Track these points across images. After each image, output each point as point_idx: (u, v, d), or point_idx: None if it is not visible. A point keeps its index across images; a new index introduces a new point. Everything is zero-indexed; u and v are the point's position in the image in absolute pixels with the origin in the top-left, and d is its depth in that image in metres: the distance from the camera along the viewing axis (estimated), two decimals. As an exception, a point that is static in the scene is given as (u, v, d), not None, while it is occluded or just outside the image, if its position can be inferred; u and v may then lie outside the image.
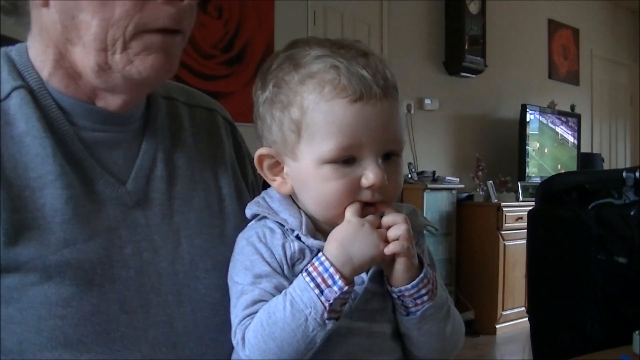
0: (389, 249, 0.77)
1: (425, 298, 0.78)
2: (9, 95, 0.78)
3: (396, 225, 0.78)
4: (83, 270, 0.76)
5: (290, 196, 0.85)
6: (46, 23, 0.79)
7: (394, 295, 0.79)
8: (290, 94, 0.79)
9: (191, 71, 3.56)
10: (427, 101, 5.00)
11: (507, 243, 4.71)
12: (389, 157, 0.80)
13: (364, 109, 0.76)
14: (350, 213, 0.78)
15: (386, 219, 0.79)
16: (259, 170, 0.86)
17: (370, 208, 0.80)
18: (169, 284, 0.83)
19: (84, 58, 0.78)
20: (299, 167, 0.81)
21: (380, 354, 0.81)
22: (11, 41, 0.88)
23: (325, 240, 0.80)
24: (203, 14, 3.67)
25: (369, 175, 0.77)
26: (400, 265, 0.77)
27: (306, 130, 0.78)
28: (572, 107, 6.31)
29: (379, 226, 0.78)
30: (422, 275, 0.78)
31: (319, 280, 0.75)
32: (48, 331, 0.73)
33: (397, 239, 0.77)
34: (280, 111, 0.80)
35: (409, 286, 0.78)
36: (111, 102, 0.83)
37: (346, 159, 0.78)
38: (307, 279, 0.75)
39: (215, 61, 3.74)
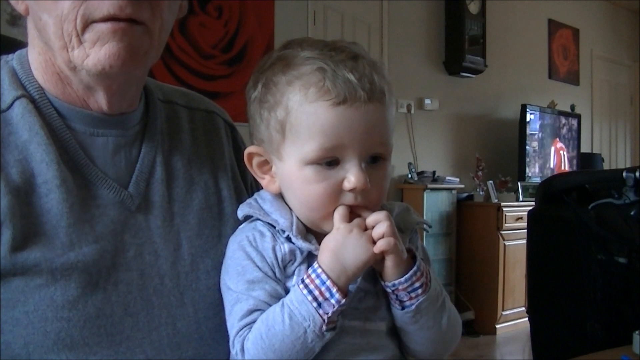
0: (377, 248, 0.77)
1: (420, 291, 0.79)
2: (11, 105, 0.79)
3: (379, 224, 0.78)
4: (88, 273, 0.76)
5: (282, 196, 0.85)
6: (33, 30, 0.80)
7: (388, 290, 0.80)
8: (277, 95, 0.80)
9: (191, 71, 3.56)
10: (427, 101, 5.00)
11: (507, 243, 4.71)
12: (375, 161, 0.81)
13: (347, 111, 0.77)
14: (338, 219, 0.79)
15: (369, 220, 0.79)
16: (248, 168, 0.87)
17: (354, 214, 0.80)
18: (170, 286, 0.83)
19: (57, 59, 0.78)
20: (284, 167, 0.82)
21: (375, 352, 0.82)
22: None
23: (316, 240, 0.81)
24: (203, 14, 3.67)
25: (351, 178, 0.78)
26: (389, 262, 0.79)
27: (290, 131, 0.79)
28: (572, 107, 6.31)
29: (366, 228, 0.79)
30: (415, 268, 0.79)
31: (316, 293, 0.76)
32: (54, 333, 0.74)
33: (382, 237, 0.78)
34: (268, 111, 0.81)
35: (402, 279, 0.79)
36: (101, 101, 0.83)
37: (329, 161, 0.78)
38: (305, 291, 0.76)
39: (215, 61, 3.73)
